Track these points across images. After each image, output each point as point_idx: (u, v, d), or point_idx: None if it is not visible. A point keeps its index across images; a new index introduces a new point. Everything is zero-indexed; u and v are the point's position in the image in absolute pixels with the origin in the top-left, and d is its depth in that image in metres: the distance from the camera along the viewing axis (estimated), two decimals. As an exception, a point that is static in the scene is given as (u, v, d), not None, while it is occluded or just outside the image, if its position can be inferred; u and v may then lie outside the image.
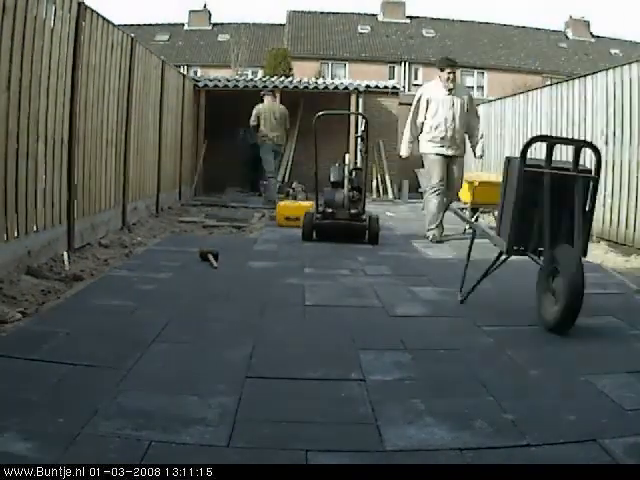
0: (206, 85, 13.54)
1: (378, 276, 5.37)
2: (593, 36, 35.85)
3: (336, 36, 34.22)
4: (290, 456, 2.17)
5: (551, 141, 4.02)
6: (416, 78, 31.55)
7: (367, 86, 14.14)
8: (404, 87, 20.51)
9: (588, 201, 3.95)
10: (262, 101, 11.18)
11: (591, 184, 3.94)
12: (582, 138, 8.36)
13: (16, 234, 4.68)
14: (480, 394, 2.78)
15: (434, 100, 7.48)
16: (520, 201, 3.92)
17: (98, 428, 2.31)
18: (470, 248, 4.61)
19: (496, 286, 5.02)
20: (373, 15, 36.55)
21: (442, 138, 7.46)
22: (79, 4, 5.72)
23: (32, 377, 2.78)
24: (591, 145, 4.14)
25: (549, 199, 3.82)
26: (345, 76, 29.44)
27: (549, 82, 10.15)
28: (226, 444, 2.25)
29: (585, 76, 8.46)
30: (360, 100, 13.89)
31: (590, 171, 3.97)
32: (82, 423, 2.32)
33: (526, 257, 4.08)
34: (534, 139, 4.02)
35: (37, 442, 2.16)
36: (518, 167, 3.91)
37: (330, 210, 7.33)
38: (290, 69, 21.48)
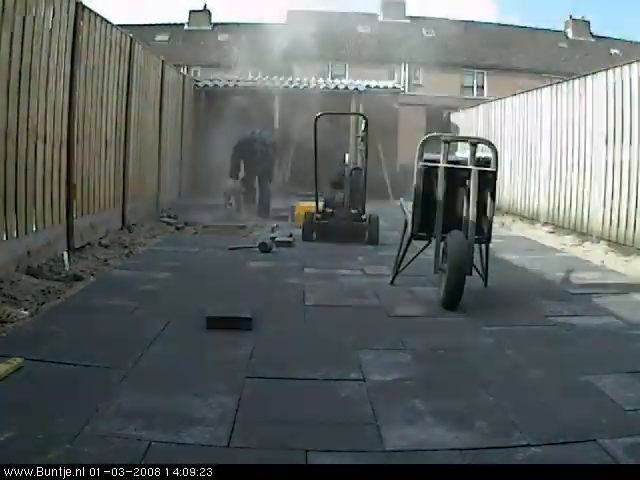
0: (206, 85, 13.54)
1: (378, 276, 5.37)
2: (593, 36, 35.78)
3: (336, 36, 34.18)
4: (290, 456, 2.17)
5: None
6: (416, 78, 31.50)
7: (367, 86, 14.14)
8: (404, 87, 20.45)
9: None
10: None
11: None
12: (582, 138, 8.40)
13: (16, 234, 4.68)
14: (480, 394, 2.78)
15: None
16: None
17: (98, 428, 2.31)
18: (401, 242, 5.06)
19: (496, 286, 5.02)
20: (373, 15, 36.50)
21: None
22: (77, 4, 5.71)
23: (32, 377, 2.78)
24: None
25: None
26: (345, 76, 29.40)
27: (549, 82, 10.12)
28: (226, 444, 2.25)
29: (585, 76, 8.45)
30: (360, 100, 13.88)
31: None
32: (82, 423, 2.32)
33: (527, 259, 4.08)
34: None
35: (37, 442, 2.16)
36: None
37: (330, 210, 7.32)
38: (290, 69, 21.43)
